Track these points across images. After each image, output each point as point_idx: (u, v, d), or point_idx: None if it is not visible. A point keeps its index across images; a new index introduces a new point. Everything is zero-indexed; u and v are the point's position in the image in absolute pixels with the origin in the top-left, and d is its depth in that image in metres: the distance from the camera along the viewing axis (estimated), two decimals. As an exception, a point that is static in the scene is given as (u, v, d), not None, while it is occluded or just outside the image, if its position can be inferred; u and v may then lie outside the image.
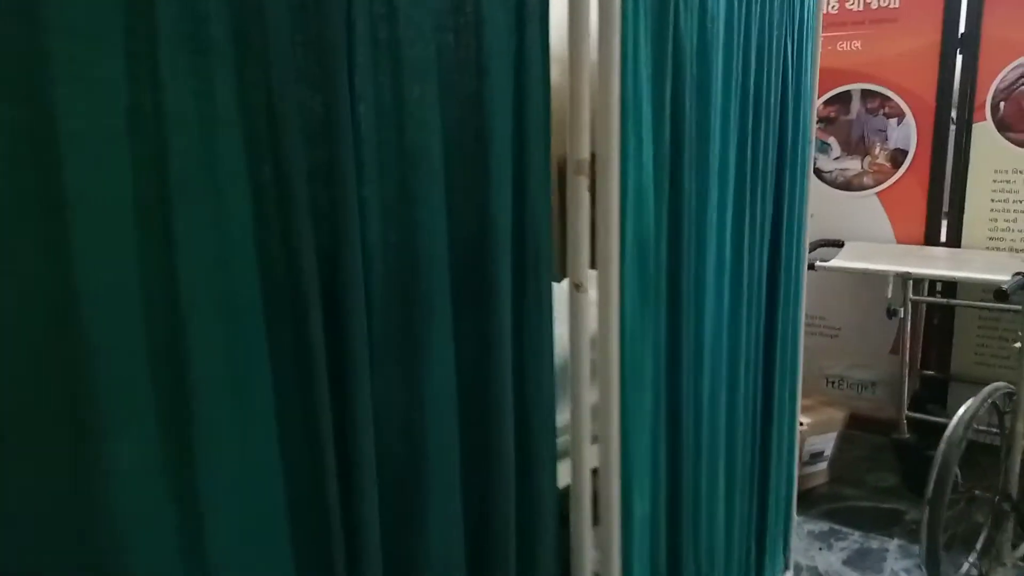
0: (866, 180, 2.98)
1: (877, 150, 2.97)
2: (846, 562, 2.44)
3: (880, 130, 2.95)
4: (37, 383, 0.58)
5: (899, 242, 2.95)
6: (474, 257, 0.71)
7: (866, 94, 2.96)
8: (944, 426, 2.75)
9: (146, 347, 0.63)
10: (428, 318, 0.70)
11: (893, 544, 2.50)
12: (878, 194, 2.97)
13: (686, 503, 1.23)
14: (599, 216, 0.81)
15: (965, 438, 1.98)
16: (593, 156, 0.78)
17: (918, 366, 2.92)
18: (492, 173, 0.70)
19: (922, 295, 2.81)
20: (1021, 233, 2.69)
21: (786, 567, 2.17)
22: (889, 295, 2.68)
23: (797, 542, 2.40)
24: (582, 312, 0.79)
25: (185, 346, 0.63)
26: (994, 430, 2.24)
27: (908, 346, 2.70)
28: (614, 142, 0.79)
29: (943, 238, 2.86)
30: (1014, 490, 2.08)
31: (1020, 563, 2.16)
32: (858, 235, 3.01)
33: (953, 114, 2.80)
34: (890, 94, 2.90)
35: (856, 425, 3.01)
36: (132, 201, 0.62)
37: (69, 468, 0.59)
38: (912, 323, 2.73)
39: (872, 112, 2.96)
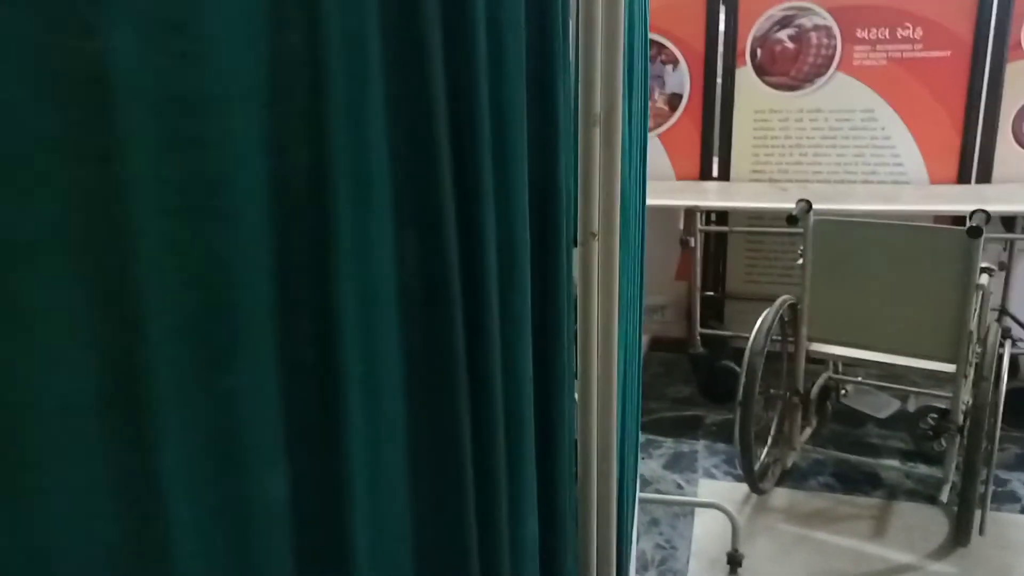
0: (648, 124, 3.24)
1: (656, 95, 3.22)
2: (665, 467, 2.73)
3: (658, 76, 3.21)
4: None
5: (678, 178, 3.27)
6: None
7: (644, 42, 3.19)
8: (728, 338, 3.16)
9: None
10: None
11: (700, 445, 2.85)
12: (659, 136, 3.24)
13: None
14: (604, 168, 0.81)
15: (766, 346, 2.29)
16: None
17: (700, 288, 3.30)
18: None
19: (702, 225, 3.15)
20: (777, 165, 3.11)
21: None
22: (681, 227, 2.97)
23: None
24: (591, 264, 0.78)
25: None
26: (778, 338, 2.60)
27: (698, 271, 3.03)
28: (619, 97, 0.79)
29: (715, 173, 3.22)
30: (800, 385, 2.47)
31: (806, 445, 2.58)
32: (644, 174, 3.27)
33: (719, 61, 3.12)
34: (665, 42, 3.16)
35: (652, 346, 3.34)
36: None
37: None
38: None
39: (651, 59, 3.20)
